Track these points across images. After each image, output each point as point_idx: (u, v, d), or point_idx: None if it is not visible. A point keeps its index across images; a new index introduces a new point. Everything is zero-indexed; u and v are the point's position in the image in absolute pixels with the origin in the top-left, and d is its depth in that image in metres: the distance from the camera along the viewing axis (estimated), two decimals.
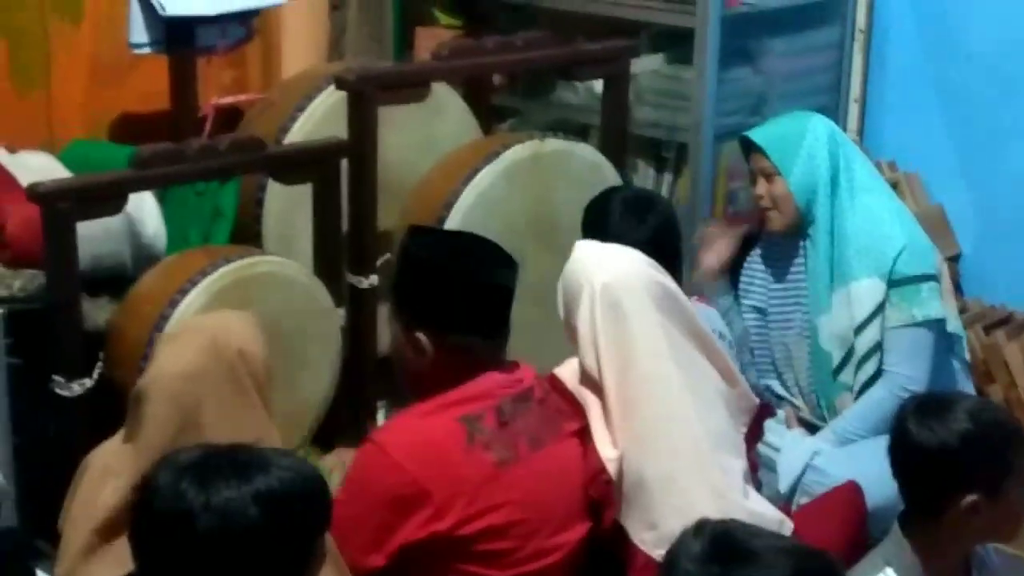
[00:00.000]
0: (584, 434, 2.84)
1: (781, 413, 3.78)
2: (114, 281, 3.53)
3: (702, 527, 1.96)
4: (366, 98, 3.56)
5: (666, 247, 3.23)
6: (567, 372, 2.91)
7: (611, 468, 2.78)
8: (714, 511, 2.36)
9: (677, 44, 4.47)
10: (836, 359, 3.70)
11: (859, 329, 3.65)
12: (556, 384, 2.89)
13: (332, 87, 3.71)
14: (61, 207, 3.11)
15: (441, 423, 2.66)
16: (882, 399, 3.59)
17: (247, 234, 3.76)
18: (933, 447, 2.52)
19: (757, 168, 3.76)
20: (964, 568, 2.67)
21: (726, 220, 4.16)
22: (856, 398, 3.69)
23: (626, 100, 4.13)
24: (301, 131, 3.78)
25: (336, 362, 3.56)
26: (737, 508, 2.72)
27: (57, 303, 3.15)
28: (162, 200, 3.69)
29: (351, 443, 3.17)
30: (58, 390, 3.13)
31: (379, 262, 3.66)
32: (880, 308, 3.64)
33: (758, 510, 2.85)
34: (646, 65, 4.49)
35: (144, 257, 3.58)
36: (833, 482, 3.38)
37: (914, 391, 3.53)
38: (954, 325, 3.77)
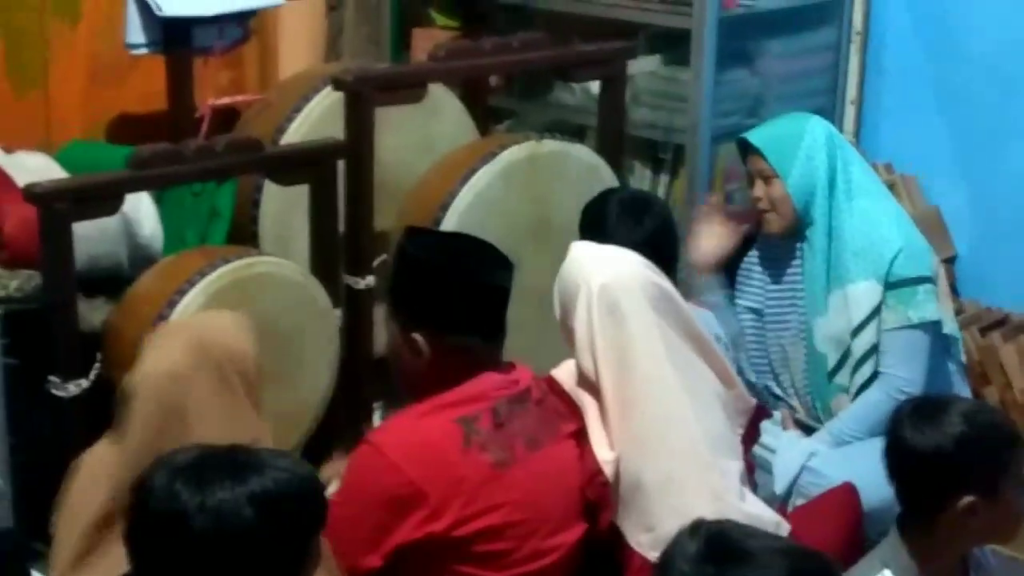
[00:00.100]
0: (581, 435, 2.84)
1: (777, 414, 3.78)
2: (111, 282, 3.53)
3: (697, 527, 1.96)
4: (363, 99, 3.56)
5: (663, 249, 3.23)
6: (564, 373, 2.91)
7: (608, 470, 2.78)
8: (711, 513, 2.35)
9: (674, 45, 4.48)
10: (832, 361, 3.71)
11: (856, 331, 3.66)
12: (553, 385, 2.89)
13: (329, 88, 3.71)
14: (58, 207, 3.11)
15: (437, 424, 2.66)
16: (878, 401, 3.59)
17: (244, 235, 3.77)
18: (928, 450, 2.53)
19: (755, 170, 3.76)
20: (962, 570, 2.67)
21: (719, 208, 4.12)
22: (853, 400, 3.69)
23: (623, 101, 4.14)
24: (298, 132, 3.78)
25: (334, 363, 3.56)
26: (734, 510, 2.72)
27: (54, 303, 3.15)
28: (159, 201, 3.69)
29: (348, 445, 3.17)
30: (54, 391, 3.13)
31: (375, 263, 3.66)
32: (877, 311, 3.64)
33: (755, 512, 2.85)
34: (643, 66, 4.49)
35: (141, 258, 3.58)
36: (829, 483, 3.38)
37: (910, 393, 3.53)
38: (950, 327, 3.77)
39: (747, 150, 3.78)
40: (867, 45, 4.77)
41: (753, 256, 3.89)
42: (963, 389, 3.81)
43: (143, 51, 3.93)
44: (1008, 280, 4.55)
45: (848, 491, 3.24)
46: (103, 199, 3.22)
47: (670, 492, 2.78)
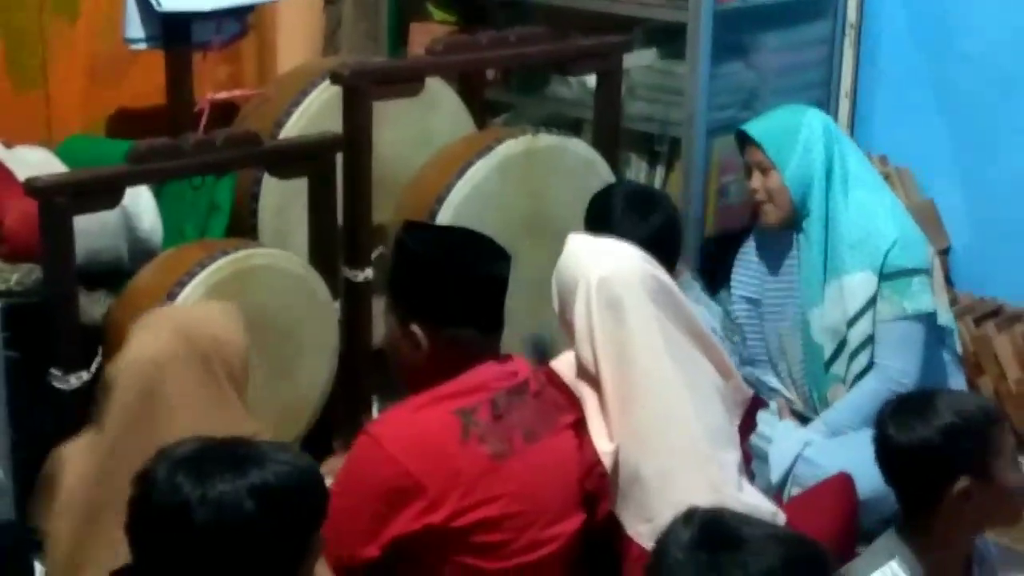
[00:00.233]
0: (579, 427, 2.83)
1: (774, 404, 3.80)
2: (111, 275, 3.54)
3: (691, 515, 1.97)
4: (361, 93, 3.56)
5: (666, 245, 3.24)
6: (564, 365, 2.90)
7: (607, 461, 2.78)
8: (709, 504, 2.37)
9: (670, 39, 4.49)
10: (828, 351, 3.72)
11: (851, 322, 3.67)
12: (551, 377, 2.89)
13: (327, 82, 3.72)
14: (58, 201, 3.11)
15: (436, 416, 2.66)
16: (874, 391, 3.61)
17: (243, 228, 3.77)
18: (916, 445, 2.55)
19: (752, 161, 3.78)
20: (966, 564, 2.69)
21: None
22: (849, 390, 3.71)
23: (619, 95, 4.14)
24: (296, 126, 3.78)
25: (333, 355, 3.57)
26: (732, 501, 2.72)
27: (54, 297, 3.16)
28: (158, 194, 3.70)
29: (347, 438, 3.18)
30: (56, 384, 3.14)
31: (373, 255, 3.67)
32: (872, 301, 3.66)
33: (753, 503, 2.85)
34: (639, 60, 4.50)
35: (141, 251, 3.58)
36: (824, 473, 3.39)
37: (906, 383, 3.56)
38: (945, 318, 3.79)
39: (745, 142, 3.80)
40: (861, 38, 4.78)
41: (750, 247, 3.91)
42: (958, 379, 3.83)
43: (142, 46, 3.93)
44: (1002, 271, 4.56)
45: (844, 480, 3.25)
46: (103, 193, 3.23)
47: (669, 484, 2.78)
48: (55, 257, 3.15)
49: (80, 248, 3.20)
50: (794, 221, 3.77)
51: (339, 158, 3.59)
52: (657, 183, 4.59)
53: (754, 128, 3.78)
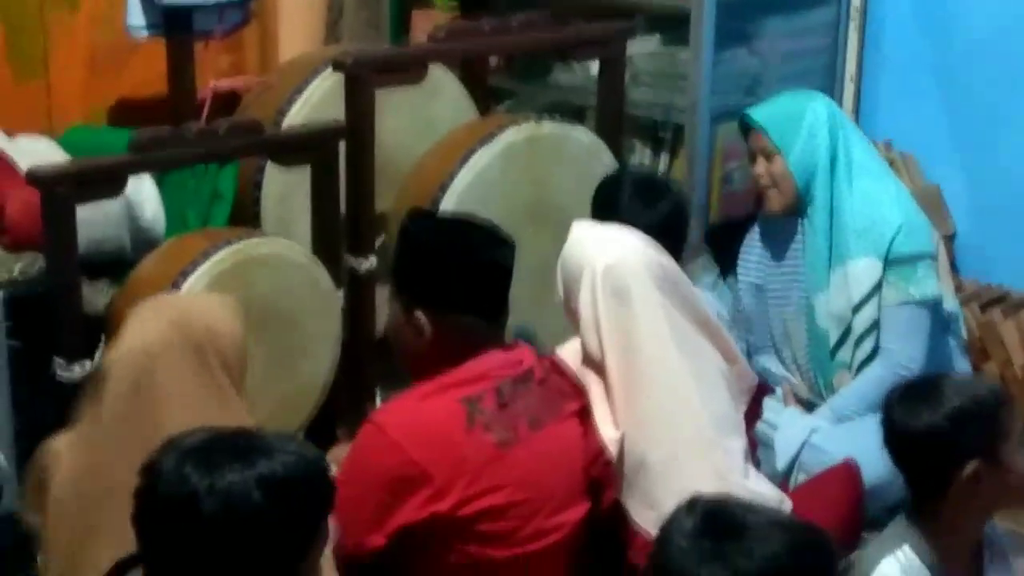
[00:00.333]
0: (584, 415, 2.83)
1: (779, 391, 3.79)
2: (114, 265, 3.54)
3: (694, 503, 1.97)
4: (363, 81, 3.56)
5: (673, 232, 3.23)
6: (569, 352, 2.90)
7: (612, 449, 2.78)
8: (715, 492, 2.37)
9: (673, 25, 4.48)
10: (834, 338, 3.72)
11: (856, 308, 3.67)
12: (556, 365, 2.88)
13: (329, 70, 3.71)
14: (60, 191, 3.11)
15: (441, 404, 2.66)
16: (879, 377, 3.60)
17: (245, 217, 3.77)
18: (923, 429, 2.55)
19: (756, 147, 3.77)
20: (976, 549, 2.68)
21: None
22: (854, 376, 3.70)
23: (622, 81, 4.13)
24: (298, 115, 3.77)
25: (337, 344, 3.57)
26: (738, 489, 2.72)
27: (57, 287, 3.15)
28: (161, 183, 3.69)
29: (350, 427, 3.18)
30: (59, 374, 3.13)
31: (375, 244, 3.67)
32: (877, 287, 3.65)
33: (758, 490, 2.86)
34: (642, 46, 4.49)
35: (143, 240, 3.58)
36: (830, 459, 3.39)
37: (911, 369, 3.55)
38: (951, 304, 3.78)
39: (748, 127, 3.79)
40: (866, 24, 4.77)
41: (754, 233, 3.91)
42: (963, 365, 3.82)
43: (143, 34, 3.93)
44: (1008, 257, 4.55)
45: (849, 467, 3.25)
46: (105, 182, 3.23)
47: (674, 471, 2.78)
48: (57, 247, 3.14)
49: (82, 237, 3.20)
50: (798, 207, 3.76)
51: (342, 146, 3.58)
52: (661, 170, 4.58)
53: (758, 113, 3.78)
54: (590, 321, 2.82)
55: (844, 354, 3.72)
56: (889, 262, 3.65)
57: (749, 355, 3.78)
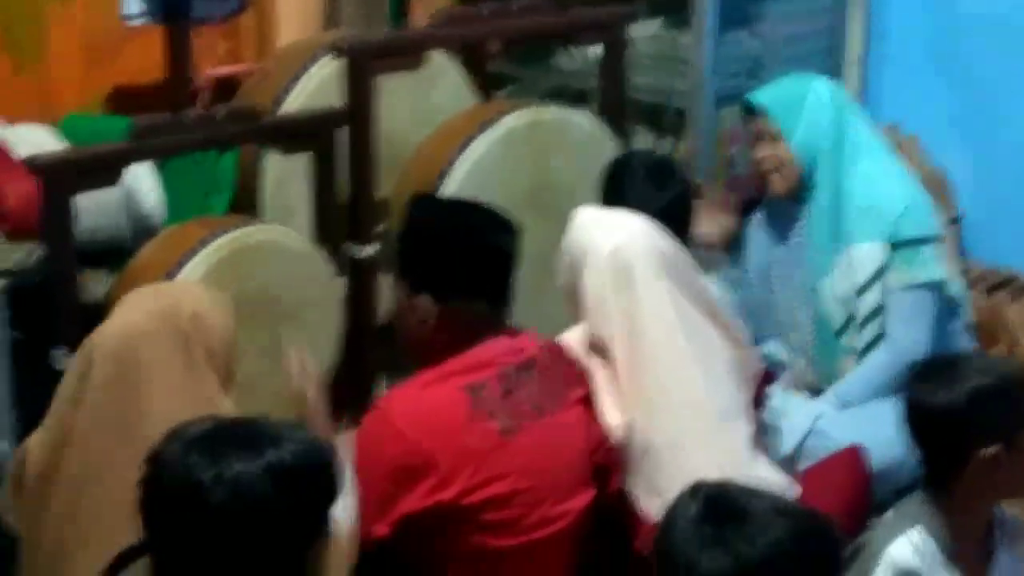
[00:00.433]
0: (588, 401, 2.83)
1: (784, 376, 3.78)
2: (113, 253, 3.54)
3: (697, 489, 1.97)
4: (363, 67, 3.55)
5: (678, 216, 3.22)
6: (572, 339, 2.90)
7: (617, 435, 2.78)
8: (720, 478, 2.36)
9: (675, 9, 4.48)
10: (838, 322, 3.70)
11: (860, 292, 3.65)
12: (560, 351, 2.87)
13: (327, 57, 3.70)
14: (59, 180, 3.10)
15: (445, 392, 2.65)
16: (884, 363, 3.59)
17: (245, 204, 3.76)
18: (943, 407, 2.54)
19: (759, 130, 3.75)
20: (988, 530, 2.67)
21: (726, 188, 4.15)
22: (859, 361, 3.69)
23: (624, 65, 4.12)
24: (296, 101, 3.77)
25: (337, 332, 3.55)
26: (744, 475, 2.71)
27: (56, 276, 3.15)
28: (160, 171, 3.69)
29: (352, 415, 3.17)
30: (57, 364, 3.12)
31: (376, 231, 3.66)
32: (881, 271, 3.64)
33: (764, 476, 2.86)
34: (644, 30, 4.49)
35: (142, 229, 3.58)
36: (836, 445, 3.38)
37: (916, 354, 3.53)
38: (956, 287, 3.77)
39: (751, 110, 3.77)
40: (869, 5, 4.75)
41: (758, 218, 3.89)
42: (969, 349, 3.80)
43: (139, 21, 3.92)
44: (1014, 240, 4.55)
45: (855, 453, 3.24)
46: (104, 170, 3.22)
47: (679, 457, 2.78)
48: (56, 235, 3.14)
49: (81, 226, 3.19)
50: (802, 190, 3.74)
51: (342, 133, 3.56)
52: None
53: (761, 96, 3.76)
54: (596, 305, 2.81)
55: (849, 338, 3.70)
56: (894, 245, 3.63)
57: (755, 340, 3.76)
